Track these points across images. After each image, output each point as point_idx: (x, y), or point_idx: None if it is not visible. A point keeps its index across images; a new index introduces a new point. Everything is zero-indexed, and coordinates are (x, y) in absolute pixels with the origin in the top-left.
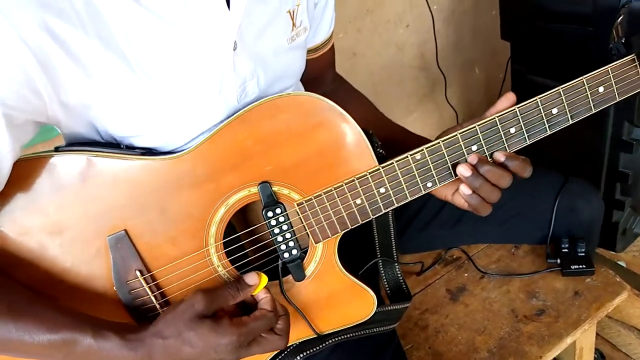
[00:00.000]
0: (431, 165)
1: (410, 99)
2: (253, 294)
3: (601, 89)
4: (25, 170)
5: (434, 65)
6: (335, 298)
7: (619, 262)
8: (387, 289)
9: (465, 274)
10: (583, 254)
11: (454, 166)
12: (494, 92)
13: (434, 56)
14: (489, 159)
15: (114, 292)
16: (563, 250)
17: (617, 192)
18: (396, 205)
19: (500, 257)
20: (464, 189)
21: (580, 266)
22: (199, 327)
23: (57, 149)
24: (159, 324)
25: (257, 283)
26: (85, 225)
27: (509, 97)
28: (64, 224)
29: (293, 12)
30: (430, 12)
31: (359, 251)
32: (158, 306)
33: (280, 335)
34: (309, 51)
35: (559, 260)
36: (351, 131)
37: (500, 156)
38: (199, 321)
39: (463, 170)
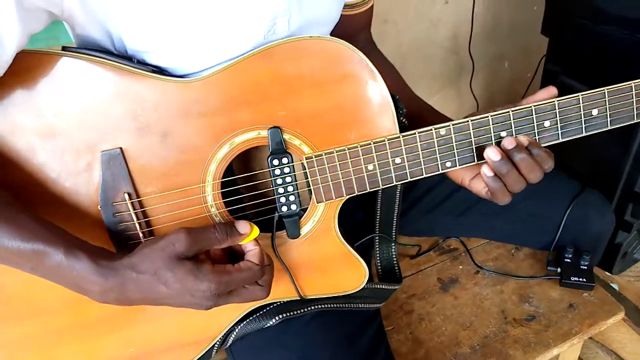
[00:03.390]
0: (455, 144)
1: (434, 80)
2: (241, 243)
3: None
4: (28, 65)
5: (464, 49)
6: (326, 263)
7: (612, 284)
8: (379, 267)
9: (460, 266)
10: (585, 268)
11: (478, 149)
12: (520, 91)
13: (467, 40)
14: None
15: (98, 211)
16: (565, 259)
17: (627, 212)
18: (409, 179)
19: (498, 256)
20: (487, 171)
21: (581, 279)
22: (177, 268)
23: (64, 49)
24: (135, 257)
25: (248, 233)
26: (80, 135)
27: (550, 90)
28: (58, 129)
29: None
30: None
31: (357, 222)
32: (141, 234)
33: (263, 286)
34: (347, 6)
35: (559, 269)
36: (378, 91)
37: (524, 140)
38: (178, 262)
39: (492, 154)
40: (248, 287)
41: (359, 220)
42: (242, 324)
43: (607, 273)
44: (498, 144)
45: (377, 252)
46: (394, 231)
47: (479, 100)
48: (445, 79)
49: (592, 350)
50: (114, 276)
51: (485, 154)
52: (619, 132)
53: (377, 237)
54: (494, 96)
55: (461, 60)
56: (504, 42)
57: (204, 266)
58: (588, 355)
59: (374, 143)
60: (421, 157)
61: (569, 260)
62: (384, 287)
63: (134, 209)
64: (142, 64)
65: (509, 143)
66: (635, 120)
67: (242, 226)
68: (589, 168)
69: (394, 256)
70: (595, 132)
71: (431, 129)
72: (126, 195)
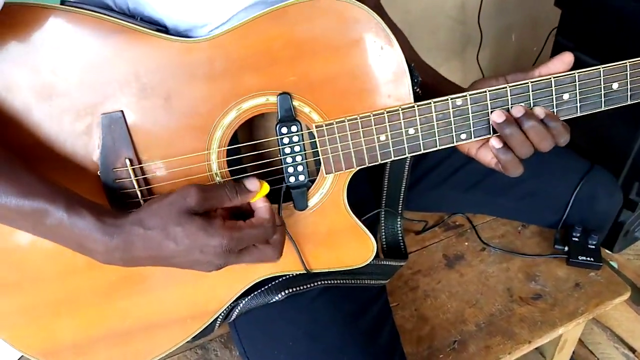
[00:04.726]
0: (471, 115)
1: (440, 51)
2: (251, 201)
3: None
4: (23, 18)
5: (473, 20)
6: (333, 236)
7: (612, 262)
8: (384, 242)
9: (466, 243)
10: (593, 247)
11: None
12: (526, 65)
13: (475, 10)
14: None
15: (97, 177)
16: (573, 238)
17: (633, 191)
18: (422, 151)
19: (505, 233)
20: (494, 142)
21: (588, 258)
22: (187, 223)
23: (63, 3)
24: (142, 212)
25: (258, 190)
26: (79, 95)
27: (564, 58)
28: (56, 88)
29: None
30: None
31: (363, 195)
32: (142, 202)
33: (275, 246)
34: None
35: (566, 248)
36: (394, 57)
37: (540, 112)
38: (188, 217)
39: (496, 116)
40: (259, 246)
41: (364, 193)
42: (246, 299)
43: (607, 251)
44: None
45: (383, 227)
46: (400, 206)
47: (485, 73)
48: (450, 50)
49: (588, 326)
50: (120, 233)
51: (491, 117)
52: (630, 110)
53: (383, 212)
54: (499, 69)
55: (468, 31)
56: (513, 13)
57: (215, 221)
58: (583, 331)
59: (387, 112)
60: (436, 128)
61: (576, 239)
62: (389, 263)
63: (136, 176)
64: (146, 21)
65: (517, 111)
66: None
67: (251, 184)
68: (596, 145)
69: (400, 231)
70: (614, 106)
71: (447, 99)
72: (127, 161)
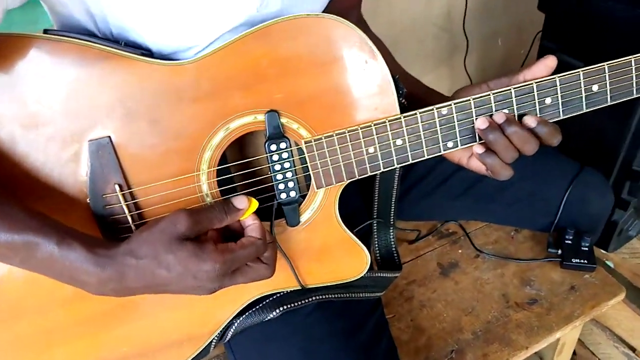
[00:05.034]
0: (456, 123)
1: (427, 59)
2: (241, 219)
3: None
4: (7, 49)
5: (458, 27)
6: (326, 251)
7: (607, 262)
8: (378, 254)
9: (460, 250)
10: (586, 249)
11: None
12: (513, 68)
13: (460, 18)
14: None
15: (87, 204)
16: (566, 241)
17: (624, 190)
18: (411, 161)
19: (498, 239)
20: (477, 149)
21: (582, 261)
22: (179, 249)
23: (46, 32)
24: (133, 242)
25: (246, 207)
26: (65, 123)
27: (547, 62)
28: (42, 117)
29: None
30: None
31: (354, 208)
32: (134, 227)
33: (267, 264)
34: None
35: (560, 251)
36: (378, 71)
37: (531, 121)
38: (179, 243)
39: (480, 123)
40: (252, 265)
41: (355, 206)
42: (241, 318)
43: (602, 251)
44: None
45: (376, 238)
46: (392, 216)
47: (473, 78)
48: (437, 58)
49: (587, 327)
50: (112, 265)
51: (475, 124)
52: (618, 109)
53: (374, 223)
54: (487, 74)
55: (454, 39)
56: (499, 19)
57: (206, 246)
58: (583, 332)
59: (374, 125)
60: (422, 137)
61: (569, 242)
62: (384, 274)
63: (125, 201)
64: (131, 46)
65: (499, 117)
66: (635, 96)
67: (240, 201)
68: (586, 145)
69: (393, 242)
70: (595, 108)
71: (432, 109)
72: (117, 187)
